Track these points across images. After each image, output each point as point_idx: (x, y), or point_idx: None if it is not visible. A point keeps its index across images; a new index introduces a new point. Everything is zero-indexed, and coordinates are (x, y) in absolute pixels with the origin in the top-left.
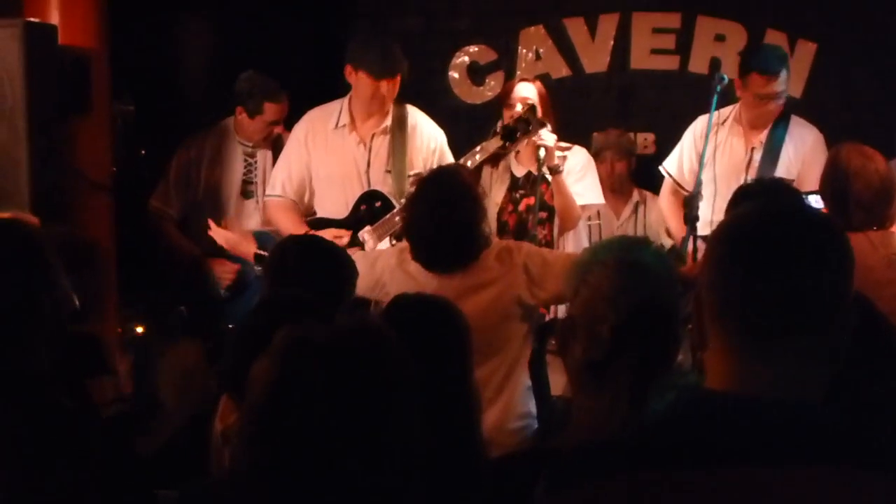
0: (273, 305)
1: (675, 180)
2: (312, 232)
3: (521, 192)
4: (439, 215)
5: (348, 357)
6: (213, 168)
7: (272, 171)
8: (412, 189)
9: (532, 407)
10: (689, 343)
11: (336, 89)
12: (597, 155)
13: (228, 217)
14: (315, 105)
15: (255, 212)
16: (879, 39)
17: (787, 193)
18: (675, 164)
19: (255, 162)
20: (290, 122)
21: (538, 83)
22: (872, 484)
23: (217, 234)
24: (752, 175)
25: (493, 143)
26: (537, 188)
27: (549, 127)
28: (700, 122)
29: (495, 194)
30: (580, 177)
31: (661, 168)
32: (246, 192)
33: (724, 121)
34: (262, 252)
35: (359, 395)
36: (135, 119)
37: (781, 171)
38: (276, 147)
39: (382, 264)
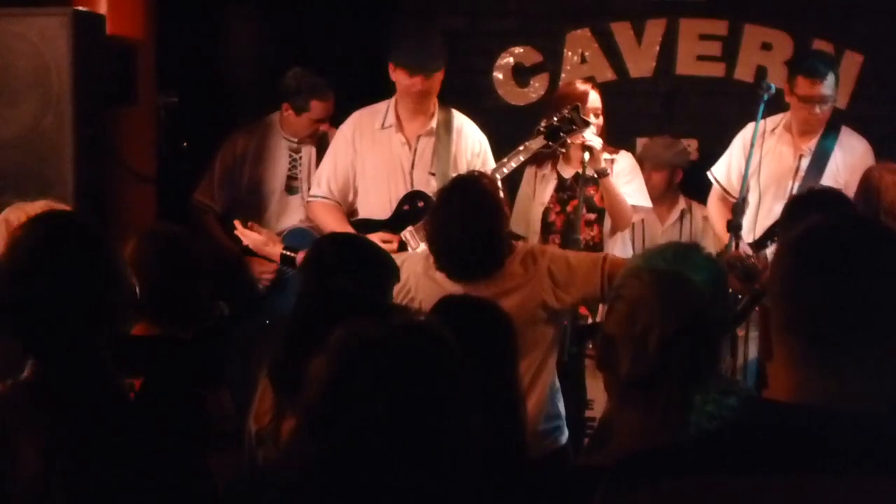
0: (321, 299)
1: (722, 187)
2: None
3: (569, 192)
4: (462, 224)
5: (406, 354)
6: (257, 164)
7: (317, 168)
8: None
9: (561, 408)
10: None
11: (381, 89)
12: (650, 168)
13: (269, 213)
14: (359, 104)
15: (299, 208)
16: None
17: (841, 205)
18: (724, 171)
19: (300, 158)
20: (334, 120)
21: (597, 88)
22: None
23: (243, 234)
24: (798, 183)
25: (537, 142)
26: (581, 189)
27: (593, 128)
28: (749, 129)
29: (541, 194)
30: (628, 180)
31: (708, 174)
32: (290, 189)
33: (774, 129)
34: (288, 253)
35: (416, 392)
36: (179, 111)
37: (828, 180)
38: (321, 144)
39: (408, 270)
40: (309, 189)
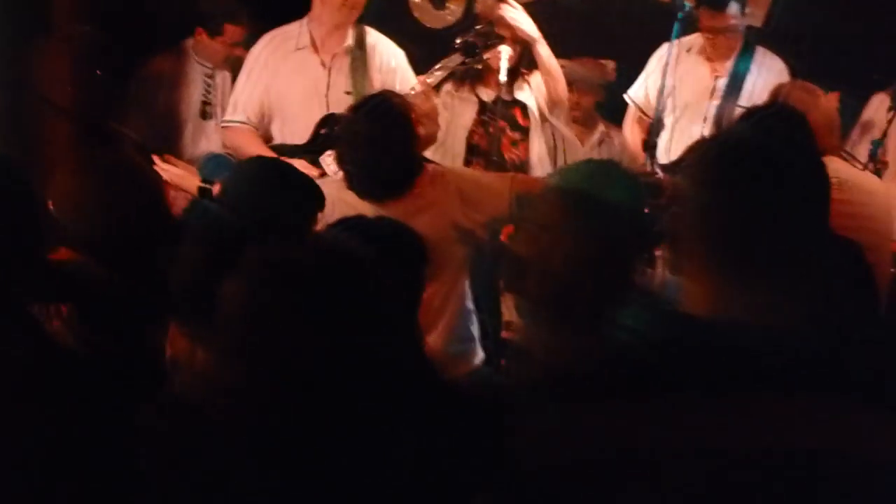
0: (230, 224)
1: (639, 108)
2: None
3: (490, 115)
4: (370, 143)
5: (320, 274)
6: (171, 89)
7: (232, 92)
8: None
9: (475, 331)
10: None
11: (297, 11)
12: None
13: (184, 139)
14: (275, 25)
15: (214, 133)
16: None
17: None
18: (641, 92)
19: (214, 83)
20: (250, 43)
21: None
22: (845, 410)
23: (160, 168)
24: (715, 103)
25: (454, 60)
26: (501, 111)
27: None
28: (665, 49)
29: (462, 116)
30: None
31: (625, 96)
32: (204, 114)
33: (690, 49)
34: (205, 185)
35: (334, 311)
36: (95, 40)
37: (744, 101)
38: (235, 68)
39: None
40: (223, 114)
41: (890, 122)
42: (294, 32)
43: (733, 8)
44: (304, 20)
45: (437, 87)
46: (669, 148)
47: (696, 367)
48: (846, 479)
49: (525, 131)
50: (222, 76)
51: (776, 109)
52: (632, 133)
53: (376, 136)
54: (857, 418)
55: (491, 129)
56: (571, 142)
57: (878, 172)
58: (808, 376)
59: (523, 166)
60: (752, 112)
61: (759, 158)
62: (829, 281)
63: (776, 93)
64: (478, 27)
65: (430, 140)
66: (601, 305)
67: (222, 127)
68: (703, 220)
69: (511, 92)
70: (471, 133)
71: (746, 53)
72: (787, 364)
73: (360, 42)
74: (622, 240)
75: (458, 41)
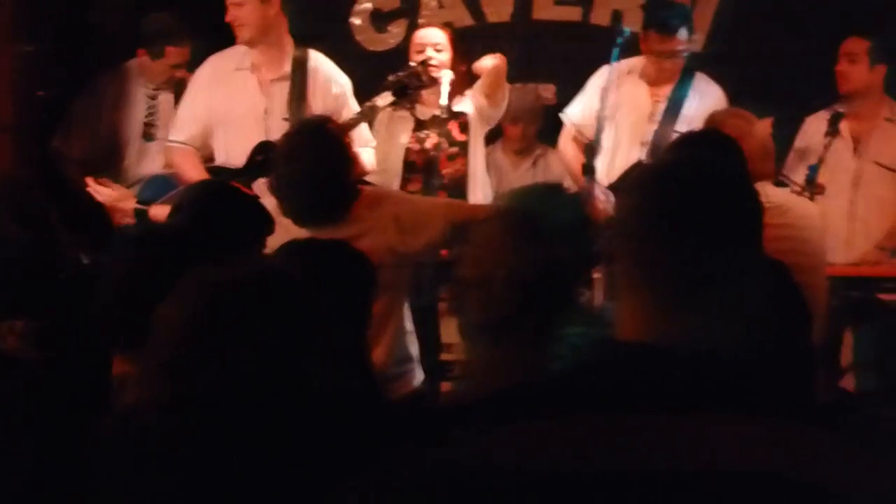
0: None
1: (577, 128)
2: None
3: (427, 132)
4: (304, 170)
5: (253, 296)
6: (114, 110)
7: (175, 114)
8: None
9: (414, 352)
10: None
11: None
12: (514, 120)
13: (127, 160)
14: (219, 48)
15: (158, 154)
16: None
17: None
18: (579, 113)
19: (157, 104)
20: (193, 65)
21: (448, 30)
22: (779, 432)
23: (95, 190)
24: (654, 128)
25: (384, 99)
26: (440, 130)
27: (441, 81)
28: (604, 72)
29: (400, 135)
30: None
31: (562, 116)
32: (147, 135)
33: (630, 72)
34: (140, 207)
35: (265, 333)
36: (37, 59)
37: (682, 126)
38: (179, 90)
39: None
40: (167, 136)
41: (827, 146)
42: (236, 55)
43: (682, 33)
44: None
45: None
46: (609, 171)
47: (623, 390)
48: (774, 500)
49: (463, 146)
50: (165, 98)
51: (708, 134)
52: (569, 152)
53: (311, 162)
54: (785, 438)
55: (429, 147)
56: (506, 165)
57: (814, 197)
58: (734, 398)
59: (461, 181)
60: (685, 137)
61: (685, 183)
62: (758, 304)
63: (711, 119)
64: (411, 65)
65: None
66: (542, 328)
67: (165, 146)
68: (632, 242)
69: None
70: (408, 151)
71: (686, 79)
72: (714, 386)
73: (302, 66)
74: (562, 262)
75: (390, 78)
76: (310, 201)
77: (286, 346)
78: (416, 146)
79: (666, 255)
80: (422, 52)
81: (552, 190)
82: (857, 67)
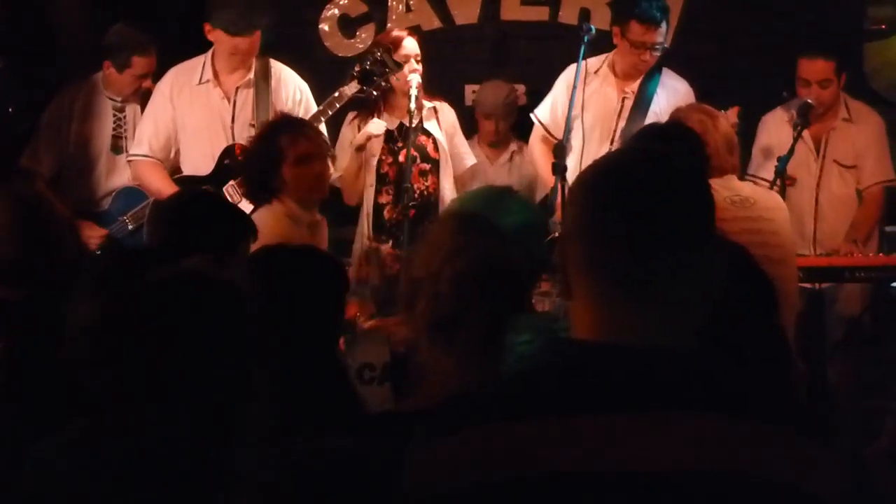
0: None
1: (545, 128)
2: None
3: (399, 144)
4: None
5: (172, 299)
6: (82, 124)
7: (138, 127)
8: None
9: None
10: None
11: (204, 44)
12: (487, 116)
13: (97, 173)
14: (185, 58)
15: (126, 167)
16: None
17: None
18: (547, 112)
19: (125, 116)
20: (159, 75)
21: (416, 36)
22: (741, 429)
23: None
24: (622, 124)
25: (351, 87)
26: (409, 139)
27: (406, 69)
28: (571, 71)
29: (371, 146)
30: (459, 135)
31: (532, 116)
32: (116, 148)
33: (597, 70)
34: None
35: (186, 334)
36: (5, 76)
37: (651, 121)
38: (145, 101)
39: None
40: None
41: (797, 138)
42: (198, 66)
43: (664, 26)
44: (209, 54)
45: (341, 117)
46: (578, 171)
47: (579, 392)
48: (740, 499)
49: (435, 163)
50: (132, 109)
51: (665, 128)
52: (539, 153)
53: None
54: (753, 436)
55: (401, 158)
56: (480, 165)
57: (785, 189)
58: (695, 395)
59: (433, 197)
60: (641, 132)
61: (628, 178)
62: (715, 297)
63: (675, 115)
64: (376, 53)
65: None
66: (491, 330)
67: (129, 160)
68: (582, 240)
69: (420, 119)
70: (380, 162)
71: (654, 74)
72: (673, 384)
73: (265, 74)
74: (510, 263)
75: (356, 69)
76: None
77: (204, 348)
78: (389, 157)
79: (614, 251)
80: (406, 61)
81: (502, 193)
82: (828, 91)
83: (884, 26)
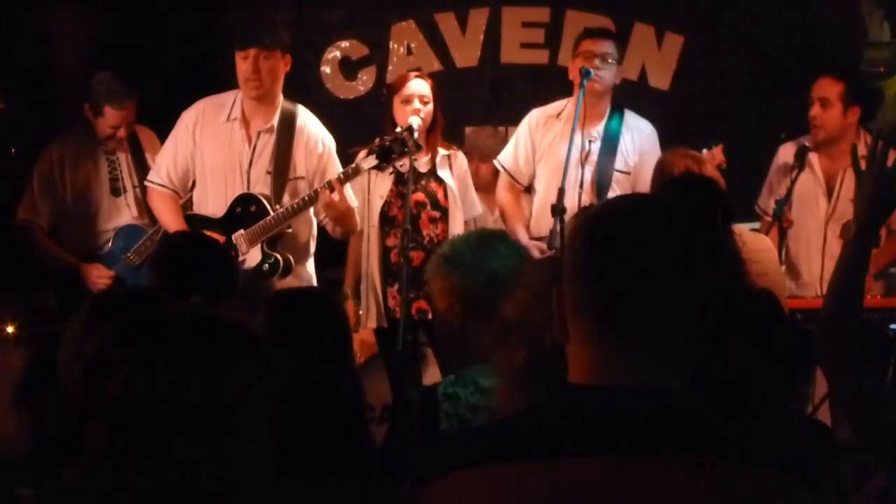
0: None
1: (510, 173)
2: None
3: (409, 187)
4: None
5: (160, 337)
6: (78, 169)
7: (135, 166)
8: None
9: None
10: None
11: (210, 81)
12: (482, 158)
13: (99, 218)
14: (187, 96)
15: (126, 208)
16: (745, 29)
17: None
18: (511, 157)
19: (117, 159)
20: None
21: (429, 79)
22: (726, 471)
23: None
24: (590, 168)
25: (369, 162)
26: (409, 185)
27: (407, 109)
28: (535, 115)
29: (380, 187)
30: (469, 184)
31: (495, 162)
32: (114, 190)
33: (559, 113)
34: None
35: (169, 372)
36: (6, 117)
37: (620, 163)
38: (133, 145)
39: None
40: (134, 186)
41: (794, 180)
42: (228, 102)
43: (612, 44)
44: (239, 91)
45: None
46: (543, 214)
47: (573, 435)
48: None
49: (445, 211)
50: (123, 151)
51: (684, 180)
52: (505, 201)
53: None
54: (740, 478)
55: (410, 203)
56: (483, 213)
57: (784, 231)
58: (684, 437)
59: (440, 245)
60: (665, 184)
61: (629, 224)
62: (712, 340)
63: (662, 163)
64: (398, 131)
65: (349, 234)
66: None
67: (146, 184)
68: (579, 284)
69: (433, 166)
70: (388, 204)
71: (616, 114)
72: (664, 426)
73: (290, 121)
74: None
75: (376, 143)
76: None
77: (195, 386)
78: (397, 201)
79: (609, 298)
80: (409, 101)
81: (494, 236)
82: (830, 112)
83: (882, 69)
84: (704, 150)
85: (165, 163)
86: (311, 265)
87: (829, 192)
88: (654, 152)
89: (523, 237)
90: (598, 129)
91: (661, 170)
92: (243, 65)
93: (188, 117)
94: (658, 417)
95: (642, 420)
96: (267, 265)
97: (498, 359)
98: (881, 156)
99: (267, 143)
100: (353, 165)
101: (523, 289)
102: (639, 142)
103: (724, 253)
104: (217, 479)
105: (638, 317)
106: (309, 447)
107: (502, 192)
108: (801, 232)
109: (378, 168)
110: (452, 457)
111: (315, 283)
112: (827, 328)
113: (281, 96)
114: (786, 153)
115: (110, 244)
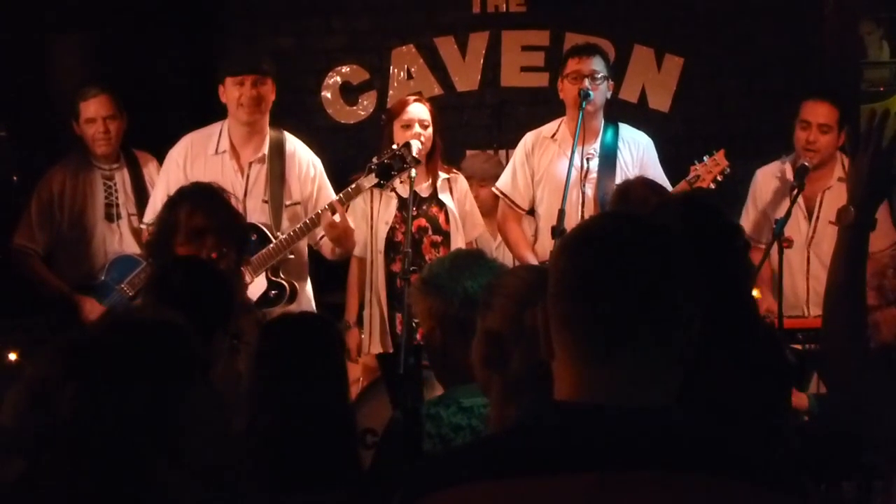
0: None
1: (508, 198)
2: None
3: (414, 212)
4: None
5: (114, 350)
6: (75, 196)
7: (133, 192)
8: None
9: None
10: None
11: (207, 109)
12: (482, 181)
13: (94, 244)
14: (186, 125)
15: (122, 233)
16: (745, 51)
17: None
18: (509, 182)
19: (115, 184)
20: (160, 143)
21: (428, 103)
22: (710, 487)
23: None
24: (590, 185)
25: (369, 181)
26: (410, 209)
27: (406, 133)
28: (529, 138)
29: (384, 213)
30: (471, 205)
31: (493, 189)
32: (109, 216)
33: (553, 134)
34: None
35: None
36: (7, 145)
37: (620, 177)
38: (132, 166)
39: None
40: (130, 214)
41: (794, 200)
42: (214, 135)
43: (599, 62)
44: (225, 123)
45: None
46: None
47: (557, 451)
48: None
49: (447, 235)
50: (121, 175)
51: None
52: (507, 229)
53: None
54: (724, 493)
55: (413, 228)
56: (485, 238)
57: (782, 251)
58: (668, 453)
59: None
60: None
61: (613, 242)
62: (698, 357)
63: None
64: (394, 147)
65: (347, 255)
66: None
67: (142, 228)
68: (564, 302)
69: (434, 190)
70: (393, 230)
71: (611, 129)
72: (646, 442)
73: (279, 149)
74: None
75: (374, 161)
76: None
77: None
78: (402, 226)
79: (592, 316)
80: (410, 126)
81: (472, 256)
82: (827, 138)
83: (882, 88)
84: (706, 158)
85: (158, 202)
86: (309, 287)
87: (809, 215)
88: (653, 163)
89: (533, 262)
90: (594, 147)
91: (623, 195)
92: (236, 91)
93: (176, 152)
94: (642, 434)
95: (626, 437)
96: (274, 292)
97: (483, 377)
98: (877, 135)
99: (259, 173)
100: (354, 185)
101: (502, 297)
102: (637, 154)
103: (737, 271)
104: (175, 485)
105: (623, 334)
106: (297, 465)
107: (504, 222)
108: (786, 254)
109: (379, 186)
110: (438, 475)
111: (314, 305)
112: (833, 330)
113: (267, 124)
114: (769, 176)
115: (104, 276)
